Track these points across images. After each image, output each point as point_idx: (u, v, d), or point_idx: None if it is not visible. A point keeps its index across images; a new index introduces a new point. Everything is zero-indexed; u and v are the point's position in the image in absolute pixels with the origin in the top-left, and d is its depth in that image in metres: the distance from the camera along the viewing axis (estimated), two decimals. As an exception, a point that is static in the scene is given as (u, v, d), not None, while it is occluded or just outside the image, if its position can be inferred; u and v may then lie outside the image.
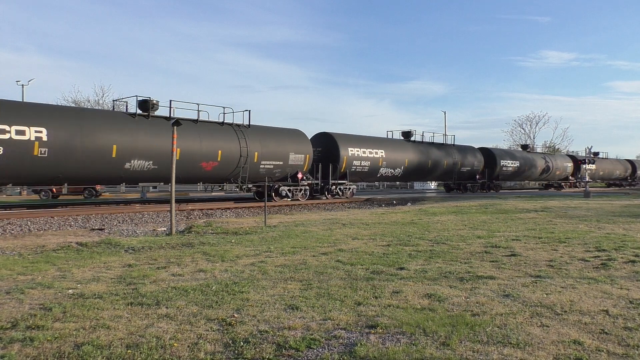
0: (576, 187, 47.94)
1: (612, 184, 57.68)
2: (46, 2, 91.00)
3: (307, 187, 24.73)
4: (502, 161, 38.68)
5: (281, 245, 9.51)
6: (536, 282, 6.21)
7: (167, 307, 5.05)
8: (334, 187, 26.27)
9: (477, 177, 36.90)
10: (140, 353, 3.77)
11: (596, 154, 52.86)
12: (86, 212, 16.91)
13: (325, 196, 25.74)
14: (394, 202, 25.88)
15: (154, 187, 35.92)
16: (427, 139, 33.30)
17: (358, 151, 26.93)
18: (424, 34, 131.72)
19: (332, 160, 25.80)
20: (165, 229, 13.10)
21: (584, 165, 38.47)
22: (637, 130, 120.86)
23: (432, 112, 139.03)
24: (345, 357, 3.74)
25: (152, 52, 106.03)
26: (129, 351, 3.80)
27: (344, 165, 26.14)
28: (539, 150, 64.13)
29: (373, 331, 4.32)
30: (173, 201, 12.23)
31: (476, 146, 38.78)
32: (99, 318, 4.66)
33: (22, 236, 11.58)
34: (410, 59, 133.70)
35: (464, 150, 36.26)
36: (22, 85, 40.98)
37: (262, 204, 19.85)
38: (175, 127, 12.39)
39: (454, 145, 35.97)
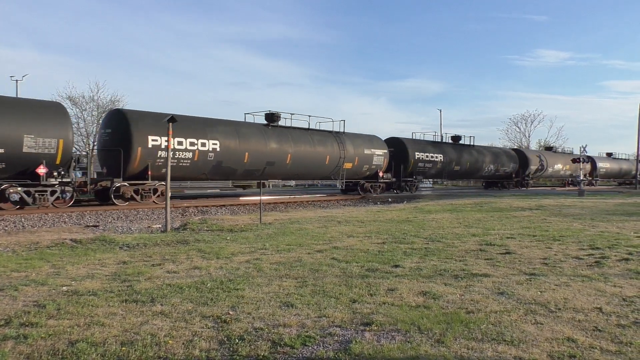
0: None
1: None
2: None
3: (385, 184, 30.48)
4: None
5: (276, 242, 9.50)
6: (530, 280, 6.24)
7: (162, 305, 5.04)
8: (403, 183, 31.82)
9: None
10: (135, 350, 3.76)
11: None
12: (80, 209, 16.84)
13: (397, 191, 31.27)
14: (389, 199, 25.94)
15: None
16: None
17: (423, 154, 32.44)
18: (421, 33, 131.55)
19: (402, 160, 31.03)
20: (160, 226, 13.07)
21: (580, 164, 38.05)
22: (634, 130, 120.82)
23: (429, 111, 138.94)
24: (340, 355, 3.74)
25: (148, 49, 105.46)
26: (123, 348, 3.79)
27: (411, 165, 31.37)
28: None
29: (368, 329, 4.33)
30: (168, 198, 12.20)
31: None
32: (94, 315, 4.65)
33: (16, 233, 11.52)
34: (407, 57, 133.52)
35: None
36: (16, 80, 40.85)
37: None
38: (170, 123, 12.38)
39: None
